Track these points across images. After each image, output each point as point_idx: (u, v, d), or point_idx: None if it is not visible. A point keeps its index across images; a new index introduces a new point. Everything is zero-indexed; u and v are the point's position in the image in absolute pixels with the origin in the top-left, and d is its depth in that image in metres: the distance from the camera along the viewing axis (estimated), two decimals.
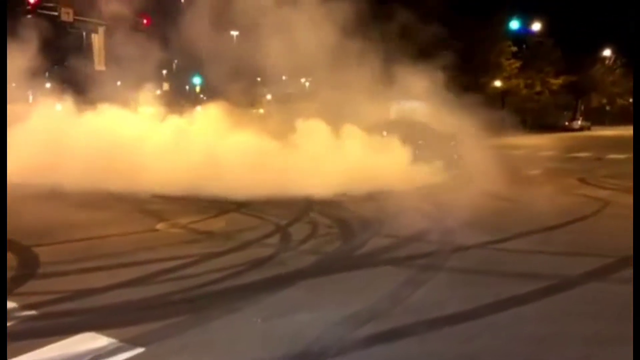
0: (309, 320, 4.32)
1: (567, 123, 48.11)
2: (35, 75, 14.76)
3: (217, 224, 8.19)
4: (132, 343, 3.89)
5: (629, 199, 10.20)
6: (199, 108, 14.23)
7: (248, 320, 4.37)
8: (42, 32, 15.61)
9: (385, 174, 10.86)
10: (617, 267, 5.79)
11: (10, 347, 3.57)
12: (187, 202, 9.71)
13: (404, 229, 7.47)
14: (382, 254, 6.45)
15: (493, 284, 5.30)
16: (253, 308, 4.61)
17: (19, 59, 13.02)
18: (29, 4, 21.98)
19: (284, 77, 21.13)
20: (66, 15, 22.81)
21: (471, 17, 35.12)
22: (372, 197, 9.91)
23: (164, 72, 33.48)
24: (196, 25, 14.61)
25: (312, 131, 11.88)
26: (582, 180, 13.14)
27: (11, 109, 8.45)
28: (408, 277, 5.46)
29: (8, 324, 4.12)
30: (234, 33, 18.22)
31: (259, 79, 19.33)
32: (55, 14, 23.14)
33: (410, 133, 13.00)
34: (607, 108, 59.66)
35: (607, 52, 52.81)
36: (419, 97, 15.85)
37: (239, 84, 15.58)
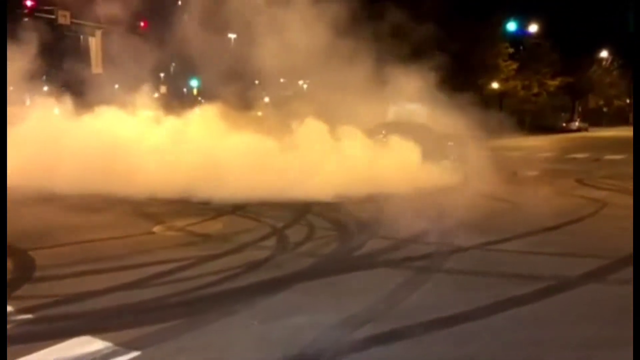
0: (306, 323, 4.30)
1: (564, 124, 48.23)
2: (32, 78, 14.75)
3: (214, 227, 8.17)
4: (127, 346, 3.86)
5: (626, 200, 10.22)
6: (197, 110, 14.19)
7: (244, 323, 4.35)
8: (39, 35, 15.60)
9: (384, 176, 10.85)
10: (615, 268, 5.78)
11: None
12: (183, 204, 9.69)
13: (402, 230, 7.45)
14: (379, 255, 6.43)
15: (491, 285, 5.29)
16: (249, 311, 4.59)
17: (16, 62, 13.01)
18: (26, 7, 21.99)
19: (282, 80, 21.13)
20: (63, 18, 22.83)
21: (468, 18, 35.18)
22: (370, 199, 9.89)
23: (162, 75, 33.50)
24: (193, 28, 14.61)
25: (310, 133, 11.87)
26: (579, 181, 13.15)
27: (8, 111, 8.43)
28: (405, 279, 5.45)
29: None
30: (232, 36, 18.23)
31: (257, 81, 19.33)
32: (53, 17, 23.16)
33: (409, 134, 12.99)
34: (605, 109, 59.82)
35: (604, 54, 52.97)
36: (417, 98, 15.87)
37: (237, 86, 15.58)
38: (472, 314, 4.44)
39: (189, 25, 14.96)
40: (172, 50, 17.21)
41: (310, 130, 11.88)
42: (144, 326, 4.25)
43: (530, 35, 42.12)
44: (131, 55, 15.74)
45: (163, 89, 31.51)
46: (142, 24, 24.35)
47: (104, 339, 3.96)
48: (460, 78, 30.46)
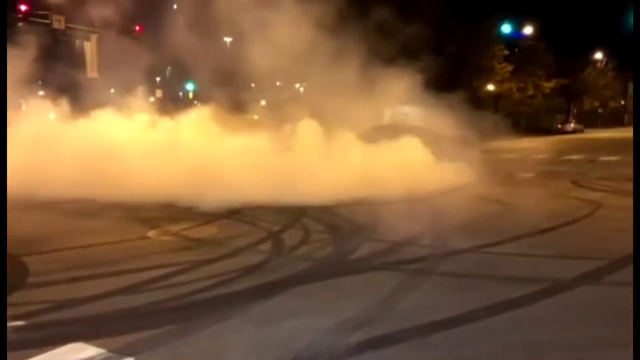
0: (300, 328, 4.28)
1: (560, 126, 48.32)
2: (27, 83, 14.69)
3: (209, 231, 8.13)
4: (121, 353, 3.84)
5: (622, 201, 10.24)
6: (192, 114, 14.16)
7: (239, 327, 4.32)
8: (34, 40, 15.55)
9: (379, 179, 10.83)
10: (611, 270, 5.78)
11: None
12: (178, 208, 9.63)
13: (397, 233, 7.43)
14: (375, 258, 6.41)
15: (486, 288, 5.28)
16: (244, 316, 4.56)
17: (11, 66, 12.94)
18: (20, 11, 21.94)
19: (278, 83, 21.14)
20: (58, 22, 22.81)
21: (463, 21, 35.30)
22: (365, 202, 9.87)
23: (158, 79, 33.46)
24: (188, 32, 14.59)
25: (306, 136, 11.85)
26: (575, 183, 13.17)
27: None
28: (401, 282, 5.43)
29: None
30: (227, 39, 18.21)
31: (252, 84, 19.33)
32: (47, 21, 23.13)
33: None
34: (600, 111, 60.01)
35: (598, 56, 53.18)
36: (412, 101, 15.90)
37: (233, 90, 15.57)
38: (469, 316, 4.43)
39: (184, 29, 14.94)
40: (168, 54, 17.17)
41: (306, 133, 11.87)
42: (138, 332, 4.23)
43: (525, 37, 42.35)
44: (126, 60, 15.71)
45: (159, 92, 31.49)
46: (137, 28, 24.35)
47: (97, 345, 3.93)
48: (456, 80, 30.54)
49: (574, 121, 50.96)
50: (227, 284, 5.40)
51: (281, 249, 6.94)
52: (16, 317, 4.51)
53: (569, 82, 48.34)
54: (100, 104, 13.70)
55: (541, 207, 9.51)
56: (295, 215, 8.93)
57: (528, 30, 40.73)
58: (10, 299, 5.04)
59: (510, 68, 43.70)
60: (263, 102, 21.99)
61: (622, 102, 60.98)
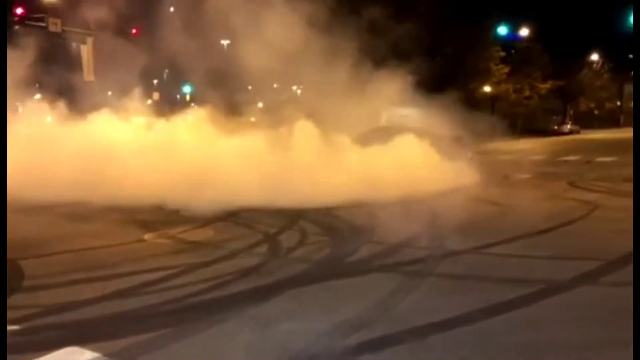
0: (297, 330, 4.26)
1: (556, 127, 48.46)
2: (24, 85, 14.66)
3: (205, 234, 8.11)
4: (117, 356, 3.82)
5: (618, 202, 10.26)
6: (189, 117, 14.15)
7: (235, 330, 4.30)
8: (30, 43, 15.53)
9: (376, 181, 10.82)
10: (608, 270, 5.77)
11: None
12: (174, 211, 9.60)
13: (395, 235, 7.41)
14: (372, 260, 6.40)
15: (483, 289, 5.27)
16: (240, 318, 4.54)
17: (8, 69, 12.91)
18: (16, 14, 21.88)
19: (275, 85, 21.13)
20: (54, 26, 22.75)
21: (460, 23, 35.40)
22: (363, 204, 9.86)
23: (155, 81, 33.43)
24: (185, 35, 14.59)
25: (303, 138, 11.84)
26: (571, 184, 13.19)
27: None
28: (398, 284, 5.42)
29: None
30: (224, 42, 18.21)
31: (250, 87, 19.34)
32: (43, 24, 23.06)
33: None
34: (596, 112, 60.19)
35: (594, 57, 53.37)
36: (409, 103, 15.91)
37: (230, 92, 15.56)
38: (466, 318, 4.42)
39: (181, 32, 14.94)
40: (165, 56, 17.17)
41: (303, 135, 11.85)
42: (134, 335, 4.20)
43: (521, 39, 42.46)
44: (123, 62, 15.70)
45: (156, 95, 31.46)
46: (134, 30, 24.31)
47: (92, 349, 3.91)
48: (452, 81, 30.60)
49: (570, 122, 51.13)
50: (223, 287, 5.38)
51: (278, 251, 6.92)
52: (12, 321, 4.47)
53: (565, 83, 48.48)
54: (97, 107, 13.67)
55: (538, 208, 9.52)
56: (292, 218, 8.91)
57: (524, 32, 40.83)
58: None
59: (506, 69, 43.83)
60: (260, 105, 21.99)
61: (618, 103, 61.15)
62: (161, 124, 13.21)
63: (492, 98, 44.31)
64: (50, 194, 10.08)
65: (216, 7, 13.24)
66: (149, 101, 24.46)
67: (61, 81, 18.92)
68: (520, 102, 46.16)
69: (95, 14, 18.69)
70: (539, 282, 5.34)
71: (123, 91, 14.60)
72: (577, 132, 47.43)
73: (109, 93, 16.80)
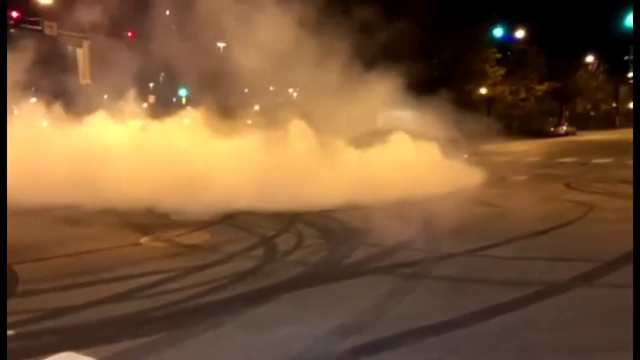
0: (294, 334, 4.25)
1: (552, 129, 48.57)
2: (19, 88, 14.62)
3: (202, 237, 8.09)
4: None
5: (614, 203, 10.29)
6: (185, 120, 14.13)
7: (231, 334, 4.29)
8: (26, 46, 15.49)
9: (372, 183, 10.82)
10: (604, 272, 5.77)
11: None
12: (171, 214, 9.56)
13: (391, 237, 7.41)
14: (368, 263, 6.39)
15: (479, 291, 5.27)
16: (236, 322, 4.53)
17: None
18: (11, 18, 21.82)
19: (271, 88, 21.14)
20: (49, 29, 22.69)
21: (456, 25, 35.51)
22: (359, 206, 9.85)
23: (151, 84, 33.39)
24: (181, 38, 14.58)
25: (299, 141, 11.83)
26: (567, 185, 13.21)
27: None
28: (394, 287, 5.41)
29: None
30: (220, 45, 18.21)
31: (246, 90, 19.34)
32: (39, 28, 23.01)
33: None
34: (592, 113, 60.40)
35: (589, 59, 53.58)
36: (404, 105, 15.93)
37: (226, 95, 15.55)
38: (461, 321, 4.41)
39: (177, 35, 14.93)
40: (161, 59, 17.14)
41: (299, 137, 11.84)
42: (130, 340, 4.18)
43: (517, 41, 42.60)
44: (119, 66, 15.67)
45: (152, 98, 31.40)
46: (129, 34, 24.28)
47: (88, 354, 3.88)
48: (448, 84, 30.65)
49: (566, 124, 51.26)
50: (219, 291, 5.36)
51: (274, 254, 6.90)
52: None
53: (561, 85, 48.66)
54: (93, 110, 13.64)
55: (534, 209, 9.53)
56: (288, 220, 8.90)
57: (520, 33, 40.96)
58: None
59: (502, 71, 43.96)
60: (257, 107, 21.99)
61: (614, 105, 61.43)
62: (155, 126, 13.18)
63: (488, 100, 44.42)
64: (45, 196, 10.03)
65: (211, 10, 13.24)
66: (145, 104, 24.40)
67: (57, 84, 18.88)
68: (516, 103, 46.30)
69: (91, 17, 18.64)
70: (535, 284, 5.34)
71: (119, 94, 14.56)
72: (573, 134, 47.57)
73: (105, 96, 16.77)
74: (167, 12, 18.22)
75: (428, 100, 15.19)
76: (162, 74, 32.64)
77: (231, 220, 9.12)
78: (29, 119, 13.66)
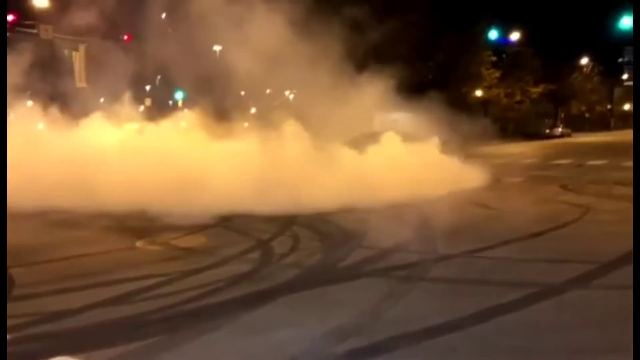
0: (290, 337, 4.24)
1: (548, 130, 48.80)
2: (16, 92, 14.57)
3: (198, 240, 8.07)
4: None
5: (610, 205, 10.32)
6: (182, 122, 14.10)
7: (227, 338, 4.27)
8: (22, 50, 15.45)
9: (369, 185, 10.82)
10: (601, 273, 5.78)
11: None
12: (166, 217, 9.50)
13: (387, 239, 7.41)
14: (364, 266, 6.39)
15: (475, 293, 5.27)
16: (232, 325, 4.51)
17: None
18: (7, 21, 21.75)
19: (268, 91, 21.14)
20: (45, 32, 22.66)
21: (451, 28, 35.64)
22: (355, 209, 9.85)
23: (148, 87, 33.34)
24: (177, 41, 14.57)
25: (296, 142, 11.82)
26: (563, 187, 13.25)
27: None
28: (390, 289, 5.41)
29: None
30: (217, 48, 18.21)
31: (242, 92, 19.33)
32: (34, 31, 22.98)
33: None
34: (587, 115, 60.71)
35: (584, 61, 53.87)
36: (400, 107, 15.97)
37: (222, 98, 15.54)
38: (456, 323, 4.41)
39: (173, 38, 14.91)
40: (157, 62, 17.13)
41: (295, 139, 11.84)
42: (126, 344, 4.16)
43: (512, 44, 42.78)
44: (115, 69, 15.65)
45: (148, 101, 31.37)
46: (125, 37, 24.28)
47: (82, 358, 3.85)
48: (444, 86, 30.74)
49: (561, 126, 51.53)
50: (215, 294, 5.35)
51: (270, 257, 6.89)
52: None
53: (556, 87, 48.92)
54: (89, 113, 13.61)
55: (530, 211, 9.55)
56: (284, 223, 8.89)
57: (515, 36, 41.14)
58: None
59: (497, 74, 44.16)
60: (253, 110, 21.99)
61: (609, 107, 61.75)
62: (152, 129, 13.16)
63: (484, 102, 44.57)
64: (41, 199, 9.98)
65: (207, 13, 13.24)
66: (142, 107, 24.35)
67: (53, 88, 18.82)
68: (512, 106, 46.50)
69: (86, 20, 18.61)
70: (531, 286, 5.34)
71: (115, 97, 14.54)
72: (569, 135, 47.81)
73: (102, 99, 16.73)
74: (163, 15, 18.22)
75: (424, 102, 15.22)
76: (159, 76, 32.61)
77: (227, 223, 9.10)
78: (25, 122, 13.61)
